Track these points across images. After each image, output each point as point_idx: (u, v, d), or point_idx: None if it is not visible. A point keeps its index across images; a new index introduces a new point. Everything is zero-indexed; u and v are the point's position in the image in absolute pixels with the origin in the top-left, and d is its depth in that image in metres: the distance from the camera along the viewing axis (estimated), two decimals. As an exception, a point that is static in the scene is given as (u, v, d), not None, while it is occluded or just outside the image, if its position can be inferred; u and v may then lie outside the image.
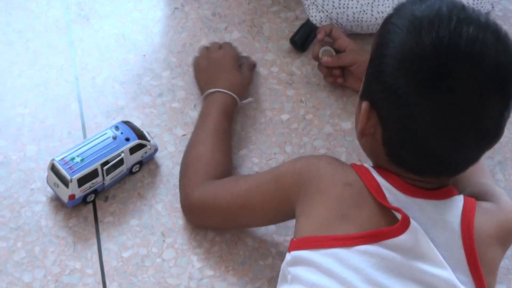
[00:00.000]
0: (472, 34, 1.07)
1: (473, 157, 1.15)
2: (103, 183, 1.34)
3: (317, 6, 1.54)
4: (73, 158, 1.32)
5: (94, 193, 1.34)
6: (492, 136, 1.12)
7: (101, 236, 1.32)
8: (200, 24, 1.61)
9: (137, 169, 1.39)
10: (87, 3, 1.62)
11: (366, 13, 1.53)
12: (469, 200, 1.18)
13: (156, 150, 1.41)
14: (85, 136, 1.43)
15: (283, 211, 1.23)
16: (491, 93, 1.08)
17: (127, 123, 1.40)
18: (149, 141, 1.39)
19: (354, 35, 1.57)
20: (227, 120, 1.41)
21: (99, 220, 1.34)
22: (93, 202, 1.35)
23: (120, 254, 1.30)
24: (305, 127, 1.48)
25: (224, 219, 1.30)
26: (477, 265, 1.14)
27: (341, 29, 1.54)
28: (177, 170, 1.39)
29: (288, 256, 1.15)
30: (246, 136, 1.46)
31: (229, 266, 1.30)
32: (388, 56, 1.10)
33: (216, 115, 1.39)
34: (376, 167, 1.19)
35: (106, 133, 1.36)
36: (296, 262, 1.14)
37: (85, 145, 1.34)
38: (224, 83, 1.44)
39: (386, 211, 1.13)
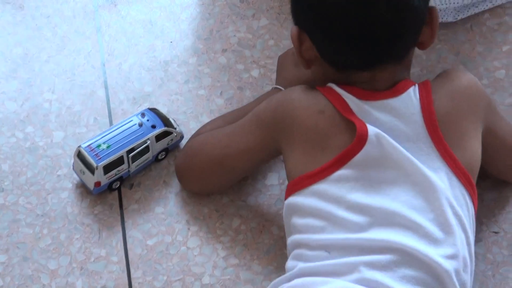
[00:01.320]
0: None
1: (404, 32, 1.18)
2: (129, 171, 1.35)
3: None
4: (99, 145, 1.32)
5: (119, 180, 1.35)
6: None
7: (126, 224, 1.32)
8: (228, 10, 1.60)
9: (163, 156, 1.39)
10: (114, -11, 1.63)
11: None
12: (424, 85, 1.21)
13: (182, 137, 1.41)
14: (111, 123, 1.44)
15: (268, 149, 1.25)
16: None
17: (153, 110, 1.40)
18: (175, 128, 1.39)
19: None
20: None
21: (124, 208, 1.34)
22: (119, 189, 1.36)
23: (144, 241, 1.31)
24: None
25: (211, 166, 1.30)
26: (448, 150, 1.17)
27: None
28: (202, 157, 1.39)
29: (284, 207, 1.20)
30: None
31: (254, 255, 1.30)
32: None
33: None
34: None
35: (132, 120, 1.37)
36: (290, 212, 1.18)
37: (111, 132, 1.34)
38: (279, 79, 1.45)
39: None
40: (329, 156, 1.16)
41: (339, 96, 1.19)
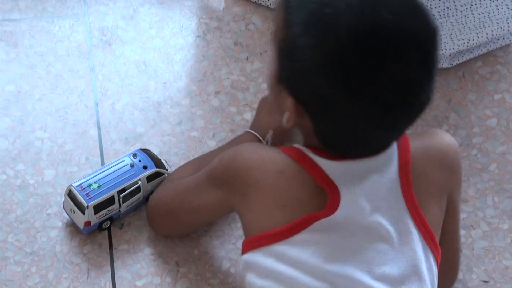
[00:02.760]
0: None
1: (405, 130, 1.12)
2: (119, 211, 1.34)
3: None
4: (90, 185, 1.32)
5: (109, 220, 1.34)
6: (423, 107, 1.09)
7: (115, 264, 1.32)
8: (222, 53, 1.61)
9: (153, 197, 1.39)
10: (109, 29, 1.63)
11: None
12: (403, 142, 1.15)
13: (173, 178, 1.41)
14: (103, 163, 1.43)
15: (222, 206, 1.23)
16: (418, 72, 1.05)
17: (145, 150, 1.40)
18: (166, 169, 1.38)
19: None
20: None
21: (113, 247, 1.33)
22: (109, 229, 1.35)
23: (133, 282, 1.30)
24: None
25: (169, 217, 1.30)
26: (418, 211, 1.14)
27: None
28: (193, 199, 1.39)
29: (241, 261, 1.17)
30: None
31: (242, 298, 1.29)
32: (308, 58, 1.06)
33: None
34: (308, 145, 1.15)
35: (124, 160, 1.36)
36: (247, 268, 1.15)
37: (103, 171, 1.34)
38: (253, 123, 1.44)
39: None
40: (289, 216, 1.11)
41: (309, 159, 1.12)
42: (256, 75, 1.57)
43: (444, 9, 1.59)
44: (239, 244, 1.34)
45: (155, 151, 1.43)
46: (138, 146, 1.45)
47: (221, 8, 1.67)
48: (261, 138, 1.38)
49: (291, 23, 1.08)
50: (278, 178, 1.13)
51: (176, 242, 1.35)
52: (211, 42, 1.63)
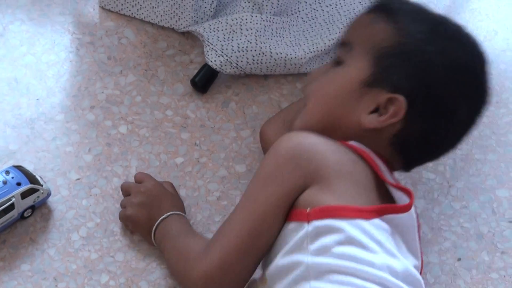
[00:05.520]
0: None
1: None
2: (-7, 229, 1.32)
3: (216, 51, 1.55)
4: (-39, 204, 1.29)
5: (-17, 238, 1.32)
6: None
7: (-10, 283, 1.30)
8: (96, 67, 1.61)
9: (29, 214, 1.37)
10: (-21, 47, 1.61)
11: (265, 55, 1.56)
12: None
13: (49, 194, 1.39)
14: (-25, 181, 1.41)
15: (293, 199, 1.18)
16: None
17: (18, 167, 1.38)
18: (41, 185, 1.37)
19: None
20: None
21: (-12, 266, 1.31)
22: (-17, 248, 1.33)
23: (10, 300, 1.28)
24: (199, 170, 1.48)
25: (244, 257, 1.19)
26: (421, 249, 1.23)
27: (241, 71, 1.56)
28: (70, 214, 1.38)
29: (308, 226, 1.12)
30: (141, 179, 1.45)
31: (122, 310, 1.29)
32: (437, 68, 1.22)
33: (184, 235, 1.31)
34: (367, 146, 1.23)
35: (-5, 178, 1.34)
36: (321, 232, 1.11)
37: (-26, 190, 1.32)
38: (168, 208, 1.35)
39: (384, 189, 1.19)
40: (364, 200, 1.15)
41: (373, 160, 1.21)
42: (130, 88, 1.57)
43: (311, 11, 1.63)
44: (118, 257, 1.34)
45: (30, 167, 1.41)
46: (11, 163, 1.43)
47: (94, 23, 1.66)
48: None
49: (411, 31, 1.24)
50: (355, 166, 1.19)
51: (54, 257, 1.33)
52: (84, 57, 1.62)
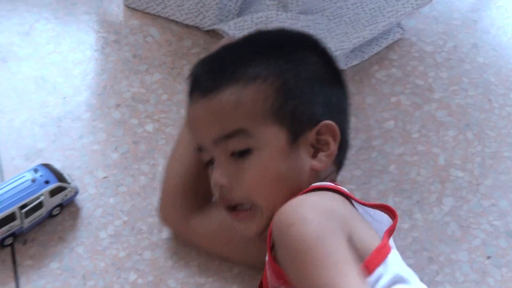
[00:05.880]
0: None
1: None
2: (22, 226, 1.32)
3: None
4: (-10, 201, 1.30)
5: (12, 236, 1.31)
6: None
7: (19, 280, 1.29)
8: (121, 66, 1.60)
9: (57, 212, 1.37)
10: (4, 46, 1.61)
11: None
12: None
13: (76, 192, 1.39)
14: (2, 179, 1.41)
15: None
16: None
17: (46, 165, 1.38)
18: (69, 183, 1.37)
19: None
20: None
21: (17, 264, 1.31)
22: (11, 245, 1.33)
23: (39, 298, 1.28)
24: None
25: None
26: None
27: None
28: (98, 212, 1.38)
29: (372, 277, 1.04)
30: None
31: (151, 308, 1.29)
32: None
33: None
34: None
35: (24, 176, 1.34)
36: (394, 282, 1.06)
37: (2, 188, 1.32)
38: None
39: None
40: (376, 238, 1.10)
41: (343, 190, 1.16)
42: (156, 87, 1.57)
43: (336, 9, 1.63)
44: (146, 255, 1.34)
45: (57, 166, 1.41)
46: (39, 161, 1.43)
47: (119, 22, 1.67)
48: None
49: (263, 75, 1.18)
50: (345, 205, 1.13)
51: (82, 255, 1.33)
52: (109, 56, 1.62)
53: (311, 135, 1.18)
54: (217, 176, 1.19)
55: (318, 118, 1.19)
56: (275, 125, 1.17)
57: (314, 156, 1.19)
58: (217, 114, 1.18)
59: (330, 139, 1.19)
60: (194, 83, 1.23)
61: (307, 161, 1.18)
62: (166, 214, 1.34)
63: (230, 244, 1.30)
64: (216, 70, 1.20)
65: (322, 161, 1.19)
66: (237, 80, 1.17)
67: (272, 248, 1.09)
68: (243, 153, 1.18)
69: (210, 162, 1.23)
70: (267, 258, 1.12)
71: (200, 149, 1.24)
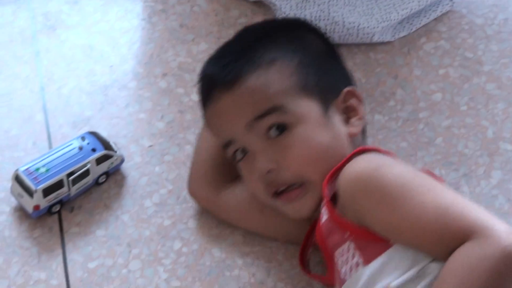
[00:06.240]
0: None
1: None
2: (69, 194, 1.33)
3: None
4: (37, 169, 1.31)
5: (59, 203, 1.33)
6: None
7: (66, 247, 1.30)
8: (168, 35, 1.60)
9: (103, 180, 1.38)
10: (53, 14, 1.62)
11: (338, 25, 1.55)
12: None
13: (122, 161, 1.40)
14: (50, 147, 1.42)
15: None
16: None
17: (93, 133, 1.39)
18: (115, 151, 1.38)
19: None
20: None
21: (64, 231, 1.32)
22: (59, 212, 1.34)
23: (85, 264, 1.29)
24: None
25: None
26: None
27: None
28: (143, 180, 1.39)
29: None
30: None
31: (195, 277, 1.29)
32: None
33: None
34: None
35: (72, 144, 1.35)
36: None
37: (51, 155, 1.33)
38: None
39: None
40: None
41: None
42: (202, 56, 1.56)
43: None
44: (191, 223, 1.34)
45: (104, 134, 1.41)
46: (86, 129, 1.44)
47: (166, -9, 1.67)
48: None
49: (284, 51, 1.23)
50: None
51: (127, 223, 1.34)
52: (156, 25, 1.62)
53: (339, 103, 1.23)
54: (263, 162, 1.19)
55: (339, 86, 1.24)
56: (306, 98, 1.20)
57: (346, 122, 1.23)
58: (247, 100, 1.19)
59: (356, 103, 1.24)
60: (211, 82, 1.24)
61: (342, 128, 1.21)
62: (196, 188, 1.35)
63: (261, 219, 1.31)
64: (232, 63, 1.22)
65: (356, 125, 1.23)
66: (259, 65, 1.20)
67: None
68: (281, 131, 1.18)
69: (240, 153, 1.22)
70: (323, 221, 1.13)
71: (227, 145, 1.23)
